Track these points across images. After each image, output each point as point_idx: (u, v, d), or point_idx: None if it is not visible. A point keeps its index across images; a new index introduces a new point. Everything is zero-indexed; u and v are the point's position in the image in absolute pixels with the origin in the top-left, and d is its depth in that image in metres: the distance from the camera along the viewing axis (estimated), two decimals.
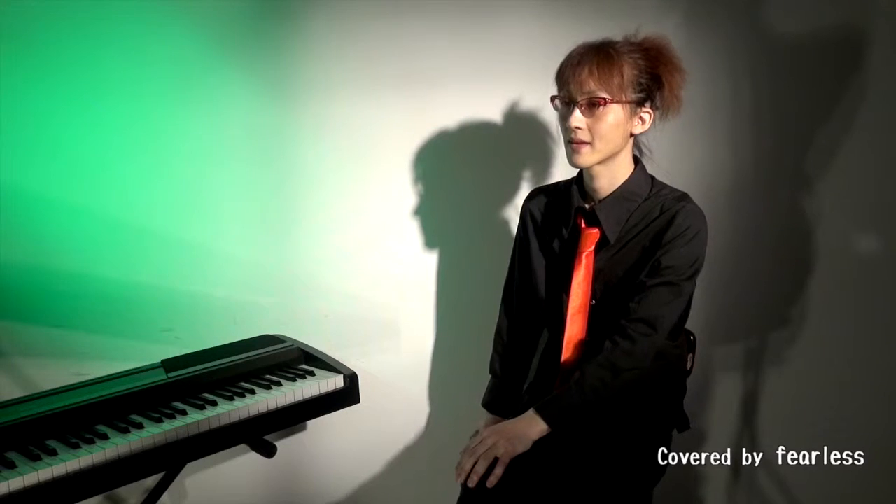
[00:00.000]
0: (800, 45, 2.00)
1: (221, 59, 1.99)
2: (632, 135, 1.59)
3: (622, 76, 1.52)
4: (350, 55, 2.05)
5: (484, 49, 2.08)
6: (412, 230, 2.18)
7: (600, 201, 1.62)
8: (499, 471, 1.46)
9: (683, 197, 1.60)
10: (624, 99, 1.53)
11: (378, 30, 2.06)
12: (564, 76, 1.55)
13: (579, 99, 1.53)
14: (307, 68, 2.06)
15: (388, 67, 2.07)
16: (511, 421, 1.55)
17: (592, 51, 1.54)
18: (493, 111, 2.12)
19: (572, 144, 1.56)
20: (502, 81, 2.08)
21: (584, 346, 1.63)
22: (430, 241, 2.20)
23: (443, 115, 2.11)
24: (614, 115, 1.53)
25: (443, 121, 2.12)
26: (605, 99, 1.51)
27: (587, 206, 1.64)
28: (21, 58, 1.85)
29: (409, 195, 2.15)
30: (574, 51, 1.56)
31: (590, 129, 1.54)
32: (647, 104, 1.57)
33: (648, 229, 1.58)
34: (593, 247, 1.62)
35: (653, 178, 1.65)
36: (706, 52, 2.05)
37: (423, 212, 2.17)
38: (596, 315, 1.63)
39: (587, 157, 1.56)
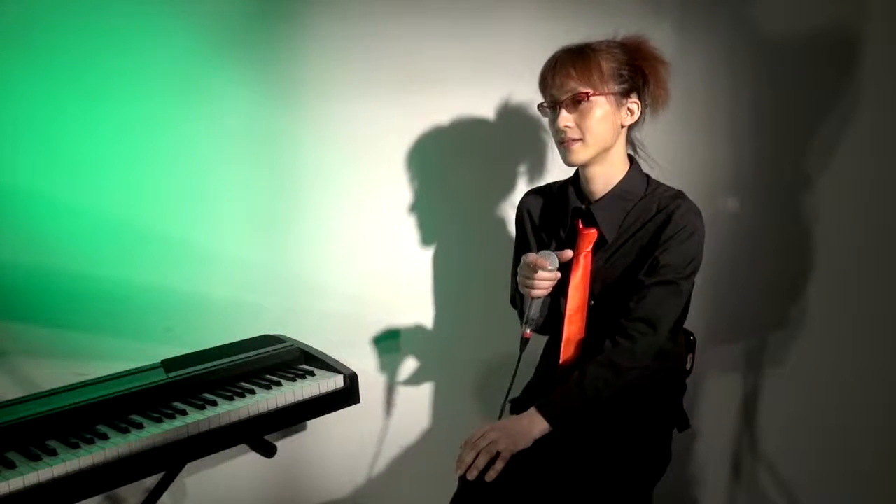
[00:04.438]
0: (799, 44, 2.00)
1: (221, 60, 1.99)
2: (622, 126, 1.60)
3: (601, 69, 1.54)
4: (350, 55, 2.06)
5: (483, 50, 2.08)
6: (412, 230, 2.18)
7: (597, 201, 1.63)
8: (499, 466, 1.46)
9: (679, 195, 1.61)
10: (607, 90, 1.55)
11: (378, 30, 2.06)
12: (546, 81, 1.58)
13: (563, 99, 1.55)
14: (307, 68, 2.06)
15: (387, 68, 2.08)
16: (514, 417, 1.56)
17: (568, 52, 1.57)
18: (492, 112, 2.12)
19: (564, 144, 1.57)
20: (502, 82, 2.09)
21: (582, 347, 1.64)
22: (431, 241, 2.20)
23: (443, 115, 2.12)
24: (600, 107, 1.55)
25: (443, 121, 2.12)
26: (587, 93, 1.53)
27: (583, 206, 1.64)
28: (22, 59, 1.85)
29: (409, 195, 2.16)
30: (551, 56, 1.59)
31: (578, 126, 1.56)
32: (634, 95, 1.58)
33: (646, 228, 1.59)
34: (591, 247, 1.62)
35: (648, 176, 1.66)
36: (706, 52, 2.05)
37: (423, 212, 2.17)
38: (594, 315, 1.63)
39: (580, 153, 1.58)
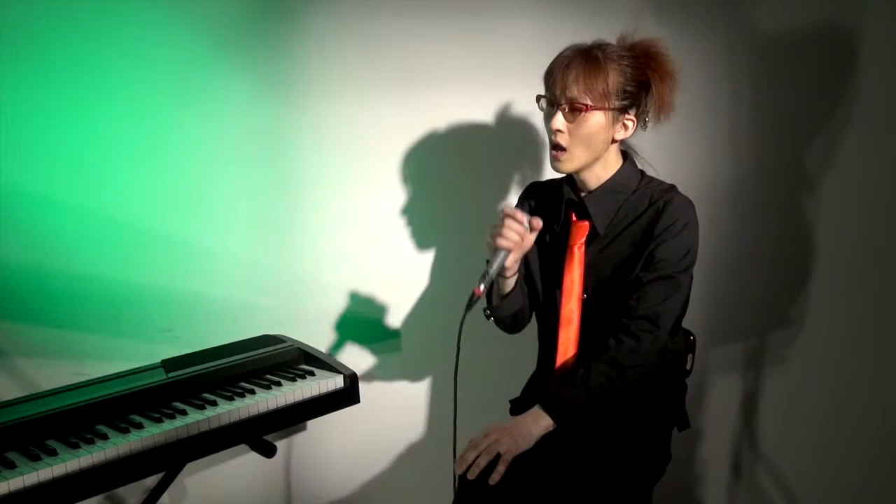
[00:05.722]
0: (799, 44, 2.00)
1: (221, 60, 1.99)
2: (614, 141, 1.59)
3: (607, 84, 1.52)
4: (350, 55, 2.06)
5: (483, 50, 2.08)
6: (412, 230, 2.18)
7: (589, 193, 1.63)
8: (501, 468, 1.46)
9: (671, 188, 1.61)
10: (607, 106, 1.54)
11: (378, 30, 2.06)
12: (552, 78, 1.57)
13: (562, 102, 1.54)
14: (307, 68, 2.06)
15: (387, 68, 2.08)
16: (516, 417, 1.56)
17: (581, 55, 1.55)
18: (492, 112, 2.12)
19: (553, 150, 1.58)
20: (502, 83, 2.09)
21: (578, 339, 1.64)
22: (430, 241, 2.20)
23: (442, 115, 2.12)
24: (596, 121, 1.54)
25: (442, 122, 2.12)
26: (587, 105, 1.52)
27: (576, 198, 1.65)
28: (22, 59, 1.85)
29: (408, 195, 2.16)
30: (563, 52, 1.57)
31: (570, 133, 1.55)
32: (632, 111, 1.58)
33: (638, 222, 1.59)
34: (584, 239, 1.63)
35: (642, 172, 1.66)
36: (705, 53, 2.05)
37: (423, 212, 2.17)
38: (589, 308, 1.64)
39: (566, 164, 1.58)
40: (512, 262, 1.57)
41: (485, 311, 1.71)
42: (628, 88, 1.55)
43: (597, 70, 1.52)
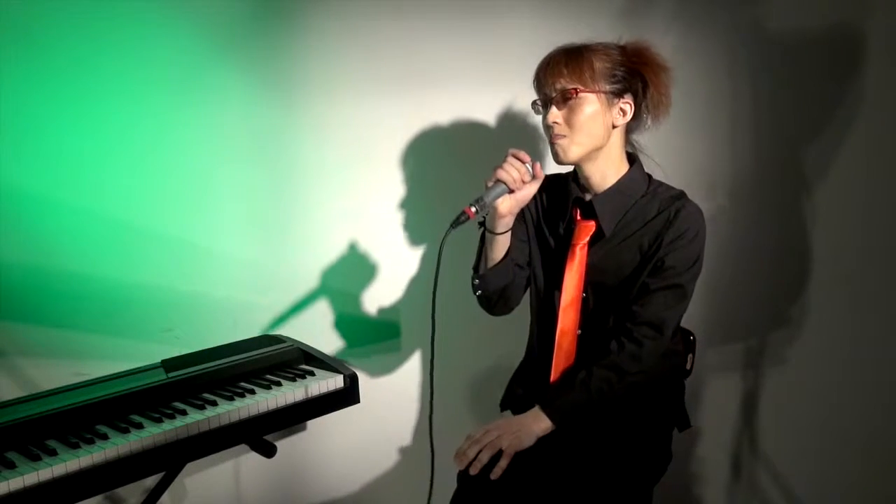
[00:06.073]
0: (799, 44, 2.00)
1: (221, 60, 1.99)
2: (614, 126, 1.59)
3: (593, 68, 1.54)
4: (350, 55, 2.06)
5: (484, 50, 2.08)
6: (412, 230, 2.18)
7: (597, 194, 1.63)
8: (503, 463, 1.47)
9: (681, 195, 1.61)
10: (597, 89, 1.54)
11: (378, 30, 2.06)
12: (539, 79, 1.59)
13: (553, 95, 1.55)
14: (307, 68, 2.06)
15: (388, 68, 2.08)
16: (517, 416, 1.56)
17: (563, 51, 1.57)
18: (492, 112, 2.12)
19: (552, 140, 1.58)
20: (502, 83, 2.08)
21: (576, 340, 1.64)
22: (430, 241, 2.20)
23: (443, 115, 2.12)
24: (590, 105, 1.55)
25: (443, 121, 2.12)
26: (575, 89, 1.53)
27: (584, 197, 1.64)
28: (22, 59, 1.85)
29: (408, 195, 2.16)
30: (546, 55, 1.59)
31: (567, 122, 1.55)
32: (627, 96, 1.57)
33: (646, 228, 1.59)
34: (587, 239, 1.62)
35: (650, 176, 1.66)
36: (705, 52, 2.05)
37: (423, 211, 2.17)
38: (586, 309, 1.63)
39: (568, 151, 1.57)
40: (506, 209, 1.58)
41: (473, 280, 1.71)
42: (617, 72, 1.56)
43: (579, 58, 1.55)
